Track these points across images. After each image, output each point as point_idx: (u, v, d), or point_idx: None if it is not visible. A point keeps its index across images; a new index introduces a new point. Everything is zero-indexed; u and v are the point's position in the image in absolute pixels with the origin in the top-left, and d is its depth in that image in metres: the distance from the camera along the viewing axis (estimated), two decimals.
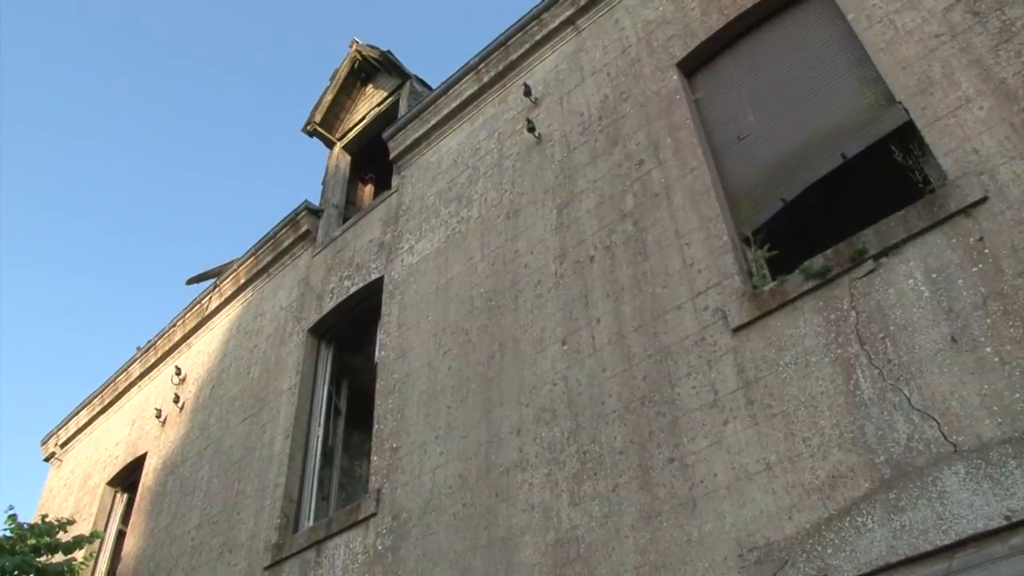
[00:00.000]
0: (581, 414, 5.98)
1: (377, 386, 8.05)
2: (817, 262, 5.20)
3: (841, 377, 4.77)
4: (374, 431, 7.72)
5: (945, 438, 4.24)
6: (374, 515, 7.08)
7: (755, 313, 5.34)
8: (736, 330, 5.40)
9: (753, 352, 5.25)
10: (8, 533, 10.19)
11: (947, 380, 4.36)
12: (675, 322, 5.79)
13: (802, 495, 4.61)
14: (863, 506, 4.35)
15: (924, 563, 4.06)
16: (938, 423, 4.29)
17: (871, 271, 4.95)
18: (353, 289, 9.31)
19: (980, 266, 4.52)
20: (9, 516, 10.42)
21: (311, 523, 8.20)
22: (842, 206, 7.84)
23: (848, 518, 4.37)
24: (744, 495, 4.84)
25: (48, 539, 10.28)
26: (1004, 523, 3.89)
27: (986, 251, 4.54)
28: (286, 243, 10.99)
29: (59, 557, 10.29)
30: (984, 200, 4.67)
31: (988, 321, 4.35)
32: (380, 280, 8.94)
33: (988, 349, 4.29)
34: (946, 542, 4.01)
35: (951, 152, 4.98)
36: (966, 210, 4.71)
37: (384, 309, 8.59)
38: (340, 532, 7.34)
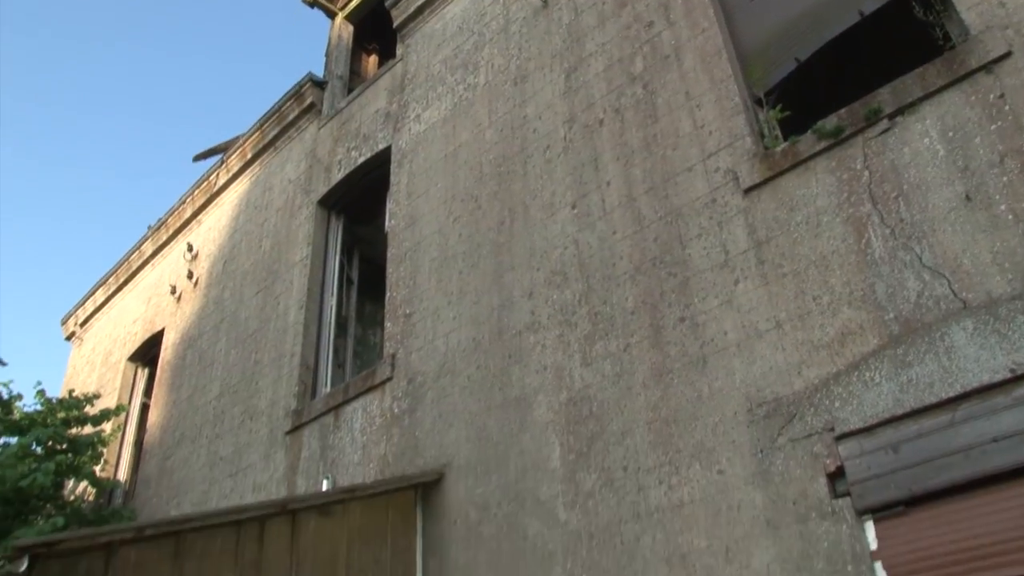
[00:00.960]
0: (592, 276, 6.04)
1: (388, 254, 8.11)
2: (830, 122, 5.13)
3: (852, 236, 4.78)
4: (387, 298, 7.83)
5: (955, 295, 4.28)
6: (390, 379, 7.26)
7: (766, 174, 5.31)
8: (747, 191, 5.38)
9: (764, 213, 5.24)
10: (39, 407, 10.49)
11: (959, 238, 4.37)
12: (686, 184, 5.76)
13: (811, 351, 4.69)
14: (871, 361, 4.43)
15: (929, 415, 4.17)
16: (948, 280, 4.33)
17: (886, 130, 4.89)
18: (361, 160, 9.25)
19: (999, 123, 4.45)
20: (38, 392, 10.71)
21: (328, 389, 8.40)
22: (858, 67, 7.68)
23: (856, 373, 4.46)
24: (754, 352, 4.92)
25: (76, 412, 10.59)
26: (1009, 375, 3.97)
27: (1006, 108, 4.46)
28: (291, 116, 10.86)
29: (88, 429, 10.62)
30: (1008, 55, 4.54)
31: (1004, 179, 4.32)
32: (388, 150, 8.87)
33: (1003, 207, 4.27)
34: (951, 394, 4.11)
35: (975, 6, 4.81)
36: (988, 66, 4.59)
37: (393, 178, 8.56)
38: (357, 397, 7.54)
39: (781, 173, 5.25)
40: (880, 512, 4.18)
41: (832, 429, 4.45)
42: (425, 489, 6.42)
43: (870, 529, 4.18)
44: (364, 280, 9.88)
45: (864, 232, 4.74)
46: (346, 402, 7.65)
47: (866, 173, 4.87)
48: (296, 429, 8.09)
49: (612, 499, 5.25)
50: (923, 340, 4.30)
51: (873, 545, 4.14)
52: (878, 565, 4.08)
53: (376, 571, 5.95)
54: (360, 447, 7.22)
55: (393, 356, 7.35)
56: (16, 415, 10.57)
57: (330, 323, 9.00)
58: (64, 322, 15.14)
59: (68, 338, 15.12)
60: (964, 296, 4.24)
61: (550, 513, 5.55)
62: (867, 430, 4.34)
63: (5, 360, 10.89)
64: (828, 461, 4.40)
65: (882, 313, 4.50)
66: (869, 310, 4.55)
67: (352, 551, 5.87)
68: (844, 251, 4.78)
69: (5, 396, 10.85)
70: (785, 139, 5.48)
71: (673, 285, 5.52)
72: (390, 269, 7.98)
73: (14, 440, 9.77)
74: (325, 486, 7.21)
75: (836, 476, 4.37)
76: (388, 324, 7.66)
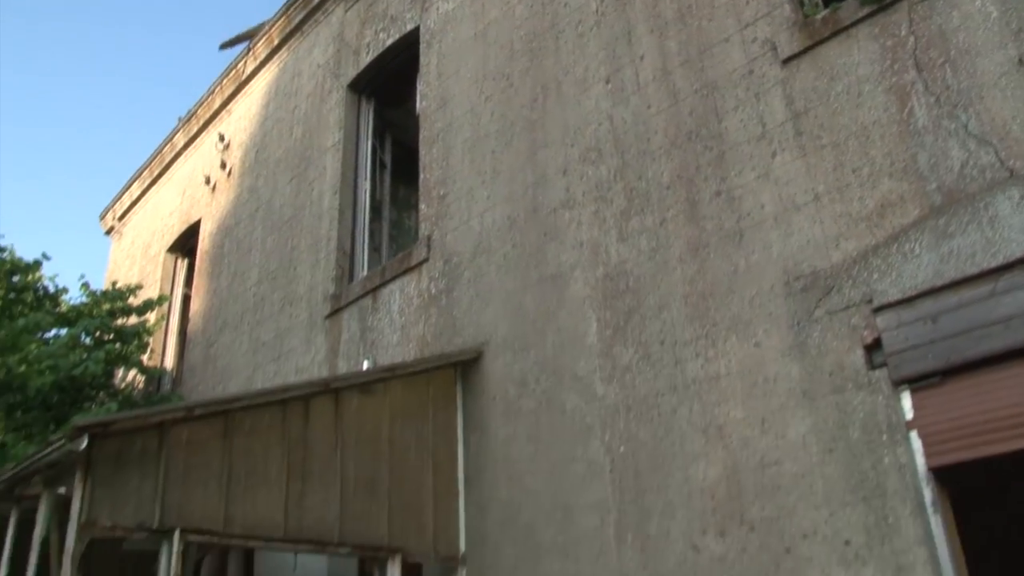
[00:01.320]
0: (627, 151, 5.96)
1: (420, 136, 8.05)
2: None
3: (895, 106, 4.65)
4: (420, 180, 7.81)
5: (1002, 163, 4.17)
6: (426, 260, 7.32)
7: (806, 43, 5.15)
8: (786, 61, 5.23)
9: (803, 83, 5.11)
10: (84, 300, 10.76)
11: (1009, 105, 4.23)
12: (722, 55, 5.61)
13: (850, 224, 4.64)
14: (911, 233, 4.38)
15: (969, 285, 4.13)
16: (995, 149, 4.22)
17: None
18: (389, 42, 9.08)
19: None
20: (82, 285, 10.97)
21: (365, 273, 8.49)
22: None
23: (896, 245, 4.42)
24: (791, 225, 4.88)
25: (121, 304, 10.86)
26: None
27: None
28: None
29: (133, 320, 10.89)
30: None
31: None
32: (416, 30, 8.68)
33: None
34: (993, 265, 4.06)
35: None
36: None
37: (422, 60, 8.41)
38: (394, 279, 7.63)
39: (821, 42, 5.09)
40: (916, 382, 4.20)
41: (870, 301, 4.44)
42: (464, 367, 6.54)
43: (906, 399, 4.22)
44: (397, 164, 9.83)
45: (907, 101, 4.61)
46: (383, 284, 7.74)
47: (911, 39, 4.70)
48: (335, 313, 8.23)
49: (649, 372, 5.33)
50: (966, 210, 4.22)
51: (909, 415, 4.18)
52: (913, 434, 4.13)
53: (418, 446, 6.13)
54: (399, 328, 7.35)
55: (428, 237, 7.38)
56: (63, 308, 10.87)
57: (365, 207, 9.02)
58: (102, 217, 15.34)
59: (108, 232, 15.34)
60: (1011, 164, 4.14)
61: (588, 387, 5.65)
62: (906, 301, 4.32)
63: (49, 255, 11.10)
64: (865, 333, 4.41)
65: (924, 184, 4.41)
66: (910, 181, 4.47)
67: (394, 427, 6.05)
68: (886, 121, 4.66)
69: (52, 290, 11.14)
70: (826, 6, 5.30)
71: (709, 159, 5.44)
72: (423, 151, 7.93)
73: (63, 332, 10.05)
74: (366, 366, 7.37)
75: (873, 347, 4.38)
76: (422, 206, 7.67)
